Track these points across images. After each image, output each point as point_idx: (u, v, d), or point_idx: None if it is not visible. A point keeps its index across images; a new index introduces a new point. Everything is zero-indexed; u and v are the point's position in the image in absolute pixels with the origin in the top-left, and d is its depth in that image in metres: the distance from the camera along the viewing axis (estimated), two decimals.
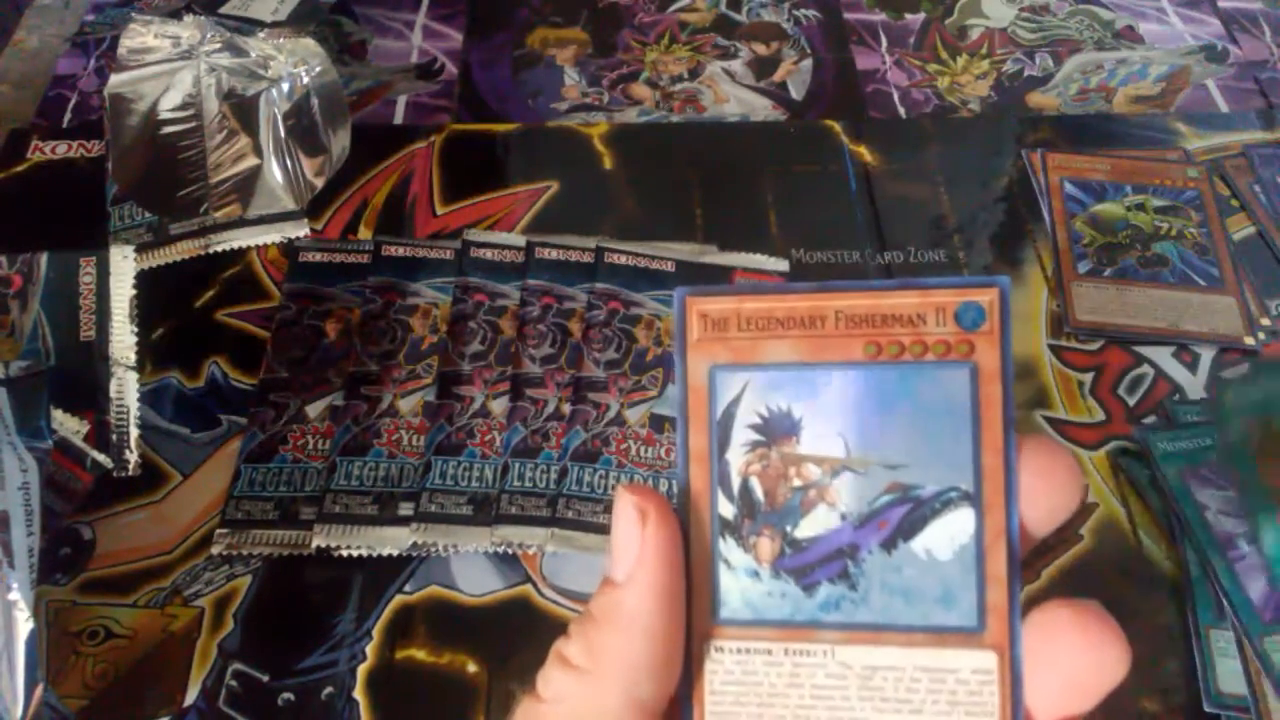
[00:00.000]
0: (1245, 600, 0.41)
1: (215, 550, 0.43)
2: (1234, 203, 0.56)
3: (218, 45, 0.55)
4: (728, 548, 0.21)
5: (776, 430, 0.20)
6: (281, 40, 0.55)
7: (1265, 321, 0.51)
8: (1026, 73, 0.64)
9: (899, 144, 0.59)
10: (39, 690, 0.35)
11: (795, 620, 0.20)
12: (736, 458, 0.21)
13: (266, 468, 0.45)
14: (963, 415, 0.20)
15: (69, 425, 0.44)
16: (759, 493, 0.21)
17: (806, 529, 0.20)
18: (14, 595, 0.35)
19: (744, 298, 0.20)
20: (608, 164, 0.58)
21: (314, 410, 0.47)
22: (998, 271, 0.53)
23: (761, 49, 0.66)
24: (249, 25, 0.57)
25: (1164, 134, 0.60)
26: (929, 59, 0.65)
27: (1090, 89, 0.63)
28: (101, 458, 0.44)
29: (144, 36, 0.55)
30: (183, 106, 0.55)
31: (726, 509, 0.21)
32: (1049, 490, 0.20)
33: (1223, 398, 0.45)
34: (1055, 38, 0.67)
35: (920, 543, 0.20)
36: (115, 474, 0.45)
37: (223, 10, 0.59)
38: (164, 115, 0.55)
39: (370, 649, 0.41)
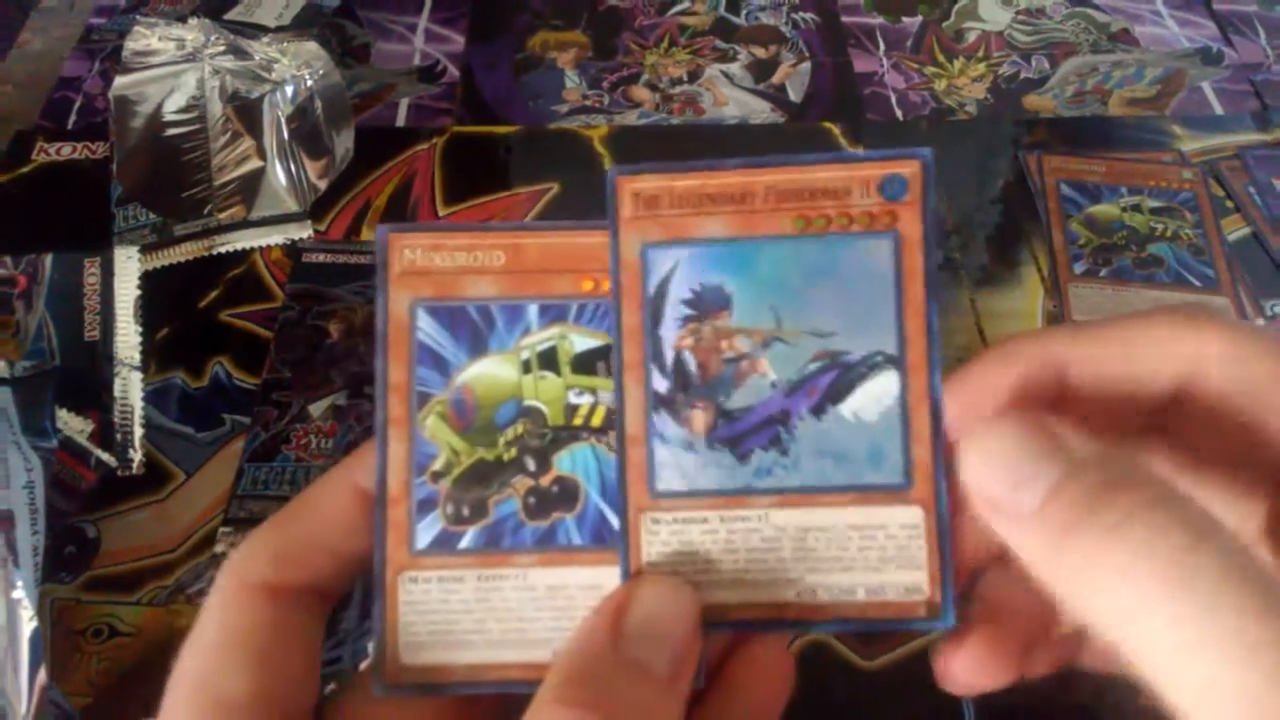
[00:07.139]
0: None
1: (219, 549, 0.43)
2: (1229, 204, 0.57)
3: (222, 48, 0.55)
4: (662, 422, 0.21)
5: (708, 305, 0.21)
6: (285, 43, 0.56)
7: (1260, 322, 0.52)
8: (1022, 75, 0.65)
9: (896, 146, 0.59)
10: (42, 687, 0.35)
11: (729, 489, 0.21)
12: (669, 333, 0.21)
13: (269, 467, 0.45)
14: (886, 283, 0.20)
15: (74, 424, 0.44)
16: (692, 366, 0.21)
17: (739, 400, 0.21)
18: (18, 593, 0.36)
19: (675, 175, 0.21)
20: (608, 166, 0.58)
21: (317, 410, 0.47)
22: (996, 273, 0.54)
23: (760, 52, 0.66)
24: (253, 30, 0.58)
25: (1159, 136, 0.60)
26: (926, 62, 0.66)
27: (1086, 91, 0.64)
28: (106, 457, 0.44)
29: (148, 39, 0.56)
30: (187, 109, 0.55)
31: (660, 384, 0.21)
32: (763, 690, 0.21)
33: None
34: (1051, 40, 0.67)
35: (848, 406, 0.21)
36: (119, 473, 0.45)
37: (227, 17, 0.60)
38: (168, 117, 0.55)
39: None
